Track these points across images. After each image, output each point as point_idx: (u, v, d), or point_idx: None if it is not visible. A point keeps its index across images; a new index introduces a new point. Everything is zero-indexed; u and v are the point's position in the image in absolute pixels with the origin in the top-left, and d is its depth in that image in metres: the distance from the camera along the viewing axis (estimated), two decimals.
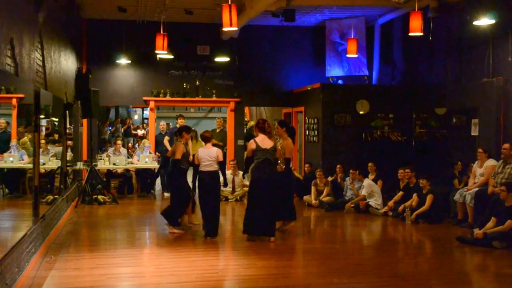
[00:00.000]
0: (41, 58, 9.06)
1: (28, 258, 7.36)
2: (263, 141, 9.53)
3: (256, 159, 9.51)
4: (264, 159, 9.44)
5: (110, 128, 20.98)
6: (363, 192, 12.58)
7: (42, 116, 8.93)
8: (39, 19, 8.82)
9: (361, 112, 14.68)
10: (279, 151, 9.83)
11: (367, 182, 12.66)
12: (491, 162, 10.83)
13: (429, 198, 11.20)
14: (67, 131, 12.62)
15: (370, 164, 13.25)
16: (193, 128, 17.70)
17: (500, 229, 9.03)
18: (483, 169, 10.89)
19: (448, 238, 9.74)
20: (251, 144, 9.56)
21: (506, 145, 10.45)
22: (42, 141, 10.26)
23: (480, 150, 11.11)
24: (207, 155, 9.80)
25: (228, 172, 13.52)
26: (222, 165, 10.00)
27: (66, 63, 12.36)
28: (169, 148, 14.83)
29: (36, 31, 8.64)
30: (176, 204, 10.19)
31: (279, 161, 9.93)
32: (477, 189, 10.69)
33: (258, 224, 9.41)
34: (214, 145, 15.96)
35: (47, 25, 9.46)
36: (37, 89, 8.23)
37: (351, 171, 13.09)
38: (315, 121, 14.87)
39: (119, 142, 15.55)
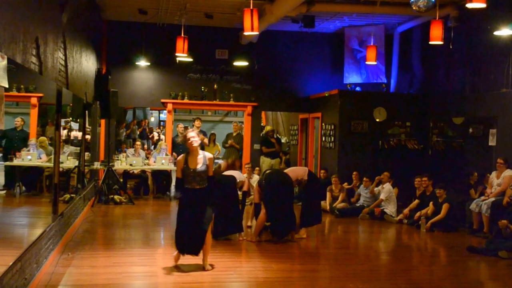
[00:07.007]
0: (63, 58, 9.17)
1: (47, 254, 7.45)
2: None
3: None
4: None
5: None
6: (382, 196, 12.57)
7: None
8: (63, 19, 8.93)
9: (378, 120, 14.66)
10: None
11: (388, 186, 12.64)
12: (509, 172, 10.77)
13: (445, 207, 11.18)
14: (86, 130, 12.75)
15: (385, 173, 13.18)
16: (212, 132, 17.88)
17: None
18: (500, 179, 10.83)
19: (462, 246, 9.69)
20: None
21: None
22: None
23: (500, 160, 11.03)
24: None
25: (244, 175, 13.55)
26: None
27: (87, 63, 12.49)
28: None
29: (59, 31, 8.75)
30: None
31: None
32: (493, 199, 10.65)
33: (281, 224, 9.75)
34: (231, 146, 16.07)
35: (70, 25, 9.57)
36: (59, 88, 8.34)
37: (364, 179, 13.13)
38: (332, 127, 14.87)
39: (138, 143, 15.67)
